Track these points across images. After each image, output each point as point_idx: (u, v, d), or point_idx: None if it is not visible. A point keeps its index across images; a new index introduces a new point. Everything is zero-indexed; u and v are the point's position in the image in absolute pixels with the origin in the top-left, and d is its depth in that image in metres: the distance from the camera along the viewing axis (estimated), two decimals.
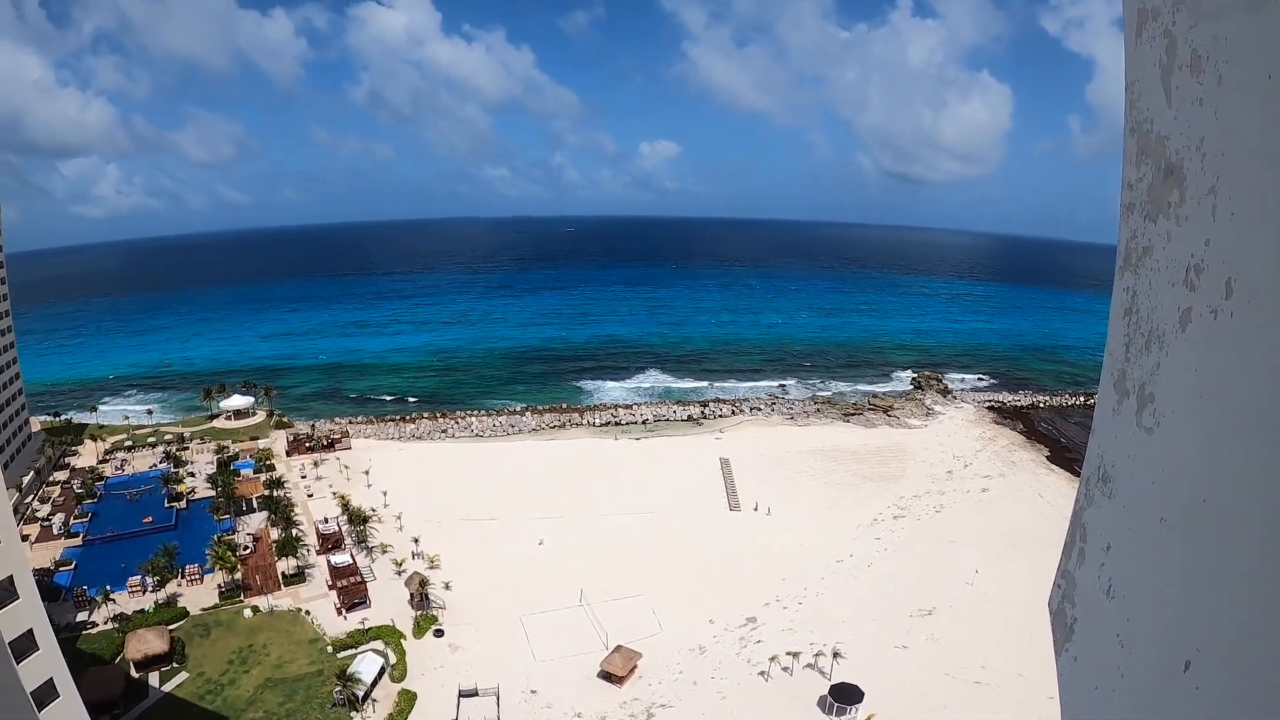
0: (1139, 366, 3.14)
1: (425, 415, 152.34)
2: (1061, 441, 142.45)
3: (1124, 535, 3.30)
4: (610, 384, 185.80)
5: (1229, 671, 2.39)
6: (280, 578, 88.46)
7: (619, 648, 75.29)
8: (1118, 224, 3.35)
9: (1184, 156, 2.69)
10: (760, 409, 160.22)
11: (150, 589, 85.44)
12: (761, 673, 74.58)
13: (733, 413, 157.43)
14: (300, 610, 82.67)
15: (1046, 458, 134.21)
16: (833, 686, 71.22)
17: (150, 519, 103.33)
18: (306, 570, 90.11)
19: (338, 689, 68.25)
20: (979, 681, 73.97)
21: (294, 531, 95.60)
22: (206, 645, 76.38)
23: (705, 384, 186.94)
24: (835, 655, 74.89)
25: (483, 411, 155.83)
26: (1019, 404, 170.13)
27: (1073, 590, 3.84)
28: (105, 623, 79.48)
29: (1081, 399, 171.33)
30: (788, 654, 75.76)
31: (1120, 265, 3.31)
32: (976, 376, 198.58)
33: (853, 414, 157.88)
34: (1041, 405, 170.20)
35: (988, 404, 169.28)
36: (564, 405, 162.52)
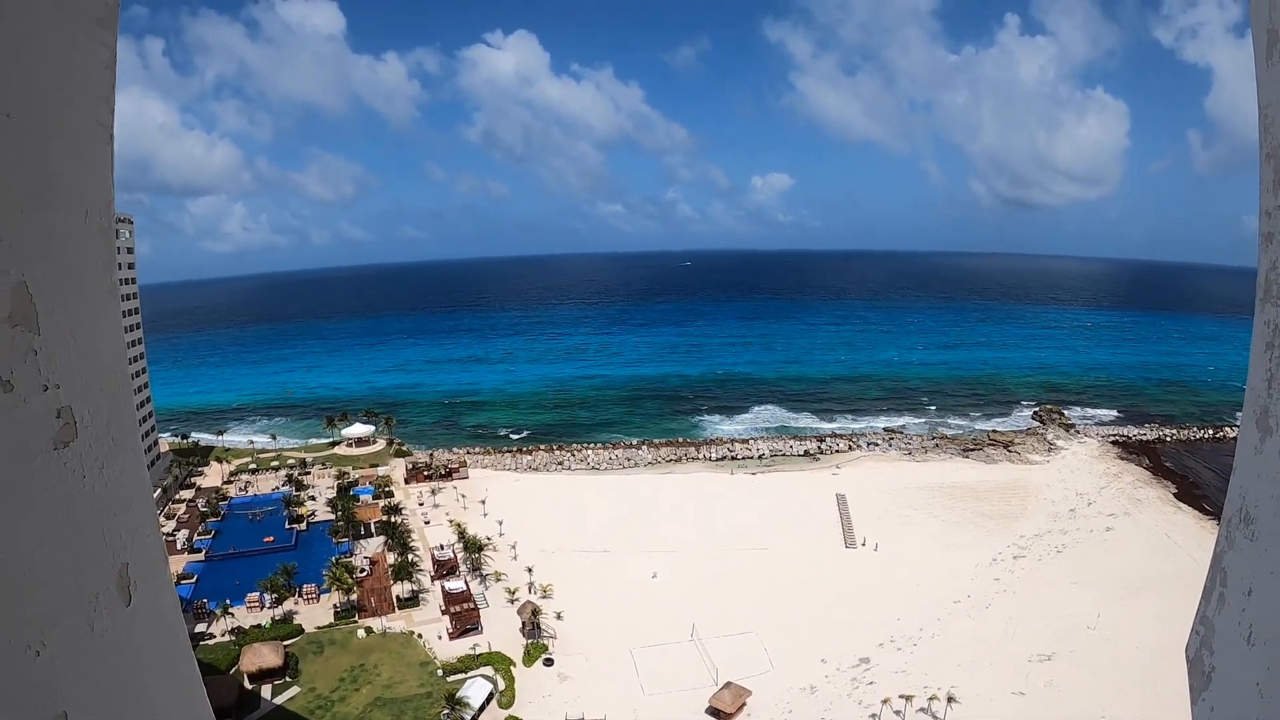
0: None
1: (542, 447, 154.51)
2: (1189, 478, 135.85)
3: (1267, 579, 3.18)
4: (726, 418, 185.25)
5: None
6: (394, 601, 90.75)
7: (728, 684, 74.95)
8: (1256, 252, 3.25)
9: None
10: (878, 444, 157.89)
11: (268, 605, 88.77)
12: (873, 715, 73.12)
13: (849, 448, 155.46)
14: (413, 633, 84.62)
15: (1174, 495, 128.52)
16: None
17: (271, 539, 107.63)
18: (420, 595, 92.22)
19: (445, 711, 69.62)
20: None
21: (410, 556, 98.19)
22: (319, 662, 78.92)
23: (821, 419, 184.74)
24: (950, 699, 73.15)
25: (598, 445, 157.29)
26: (1144, 438, 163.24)
27: (1211, 637, 3.68)
28: (223, 635, 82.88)
29: (1210, 432, 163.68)
30: (900, 696, 74.15)
31: (1261, 297, 3.20)
32: (1099, 409, 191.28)
33: (972, 449, 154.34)
34: (1168, 439, 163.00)
35: (1112, 438, 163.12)
36: (680, 439, 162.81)
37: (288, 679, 75.98)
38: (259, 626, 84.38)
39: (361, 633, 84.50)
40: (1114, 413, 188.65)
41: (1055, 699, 75.43)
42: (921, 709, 73.58)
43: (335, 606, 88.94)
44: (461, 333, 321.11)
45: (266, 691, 74.04)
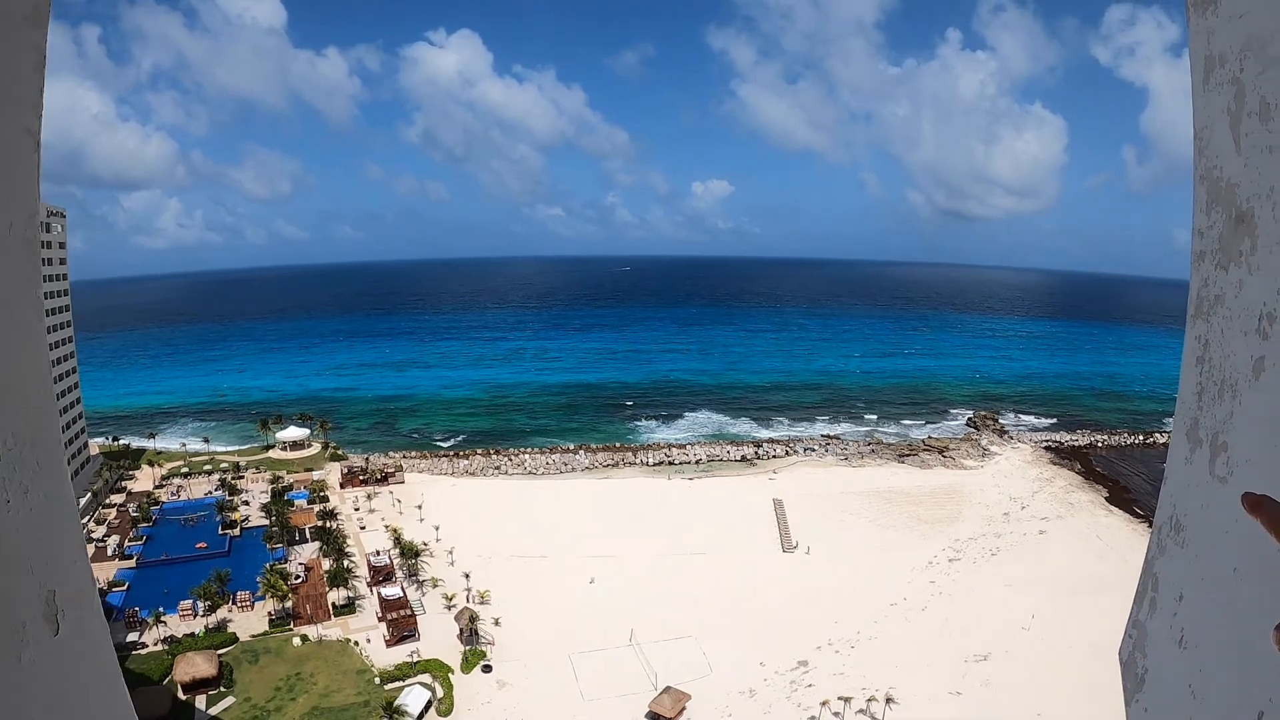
0: (1211, 415, 3.11)
1: (479, 451, 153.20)
2: (1120, 483, 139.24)
3: (1197, 585, 3.28)
4: (663, 424, 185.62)
5: None
6: (330, 608, 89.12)
7: (668, 689, 74.73)
8: (1182, 265, 3.35)
9: (1254, 204, 2.67)
10: (814, 450, 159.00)
11: (201, 613, 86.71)
12: (812, 717, 73.62)
13: (786, 453, 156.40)
14: (349, 640, 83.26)
15: (1105, 498, 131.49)
16: None
17: (204, 544, 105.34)
18: (357, 601, 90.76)
19: None
20: None
21: (345, 563, 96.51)
22: (254, 671, 77.19)
23: (758, 423, 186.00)
24: (888, 700, 73.73)
25: (536, 449, 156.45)
26: (1077, 444, 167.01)
27: (1144, 640, 3.81)
28: (155, 644, 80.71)
29: (1141, 438, 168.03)
30: (839, 698, 74.64)
31: (1192, 313, 3.29)
32: (1033, 416, 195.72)
33: (908, 455, 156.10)
34: (1100, 445, 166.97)
35: (1045, 444, 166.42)
36: (617, 444, 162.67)
37: (222, 689, 74.15)
38: (192, 635, 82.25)
39: (297, 641, 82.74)
40: (1047, 419, 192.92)
41: (991, 698, 76.52)
42: (860, 710, 74.09)
43: (270, 614, 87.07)
44: (398, 335, 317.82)
45: (200, 702, 72.21)
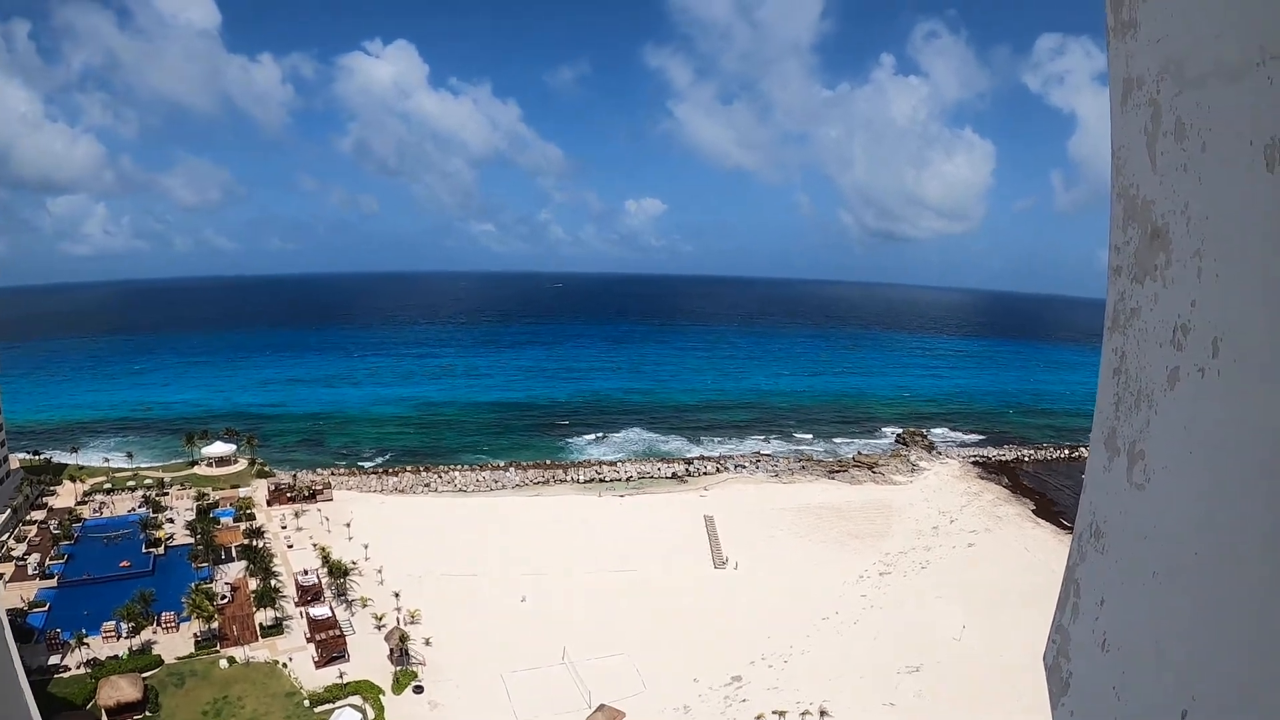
0: (1129, 425, 3.18)
1: (408, 469, 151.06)
2: (1047, 495, 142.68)
3: (1117, 590, 3.36)
4: (594, 440, 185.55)
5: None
6: (258, 628, 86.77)
7: (602, 707, 74.12)
8: (1105, 284, 3.43)
9: (1169, 221, 2.76)
10: (745, 466, 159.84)
11: (125, 635, 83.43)
12: None
13: (717, 470, 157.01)
14: (277, 662, 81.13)
15: (1032, 511, 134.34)
16: None
17: (128, 563, 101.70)
18: (285, 622, 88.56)
19: None
20: None
21: (273, 582, 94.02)
22: (180, 695, 74.75)
23: (689, 441, 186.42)
24: (822, 713, 74.20)
25: (466, 466, 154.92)
26: (1004, 458, 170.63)
27: (1068, 645, 3.88)
28: (78, 667, 77.68)
29: (1066, 452, 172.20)
30: (774, 713, 74.86)
31: (1109, 326, 3.38)
32: (961, 432, 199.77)
33: (838, 471, 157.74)
34: (1026, 460, 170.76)
35: (973, 459, 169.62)
36: (548, 461, 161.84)
37: (147, 714, 71.70)
38: (116, 658, 79.34)
39: (224, 663, 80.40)
40: (975, 435, 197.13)
41: (924, 709, 77.44)
42: None
43: (196, 635, 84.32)
44: (327, 350, 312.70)
45: None
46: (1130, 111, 3.03)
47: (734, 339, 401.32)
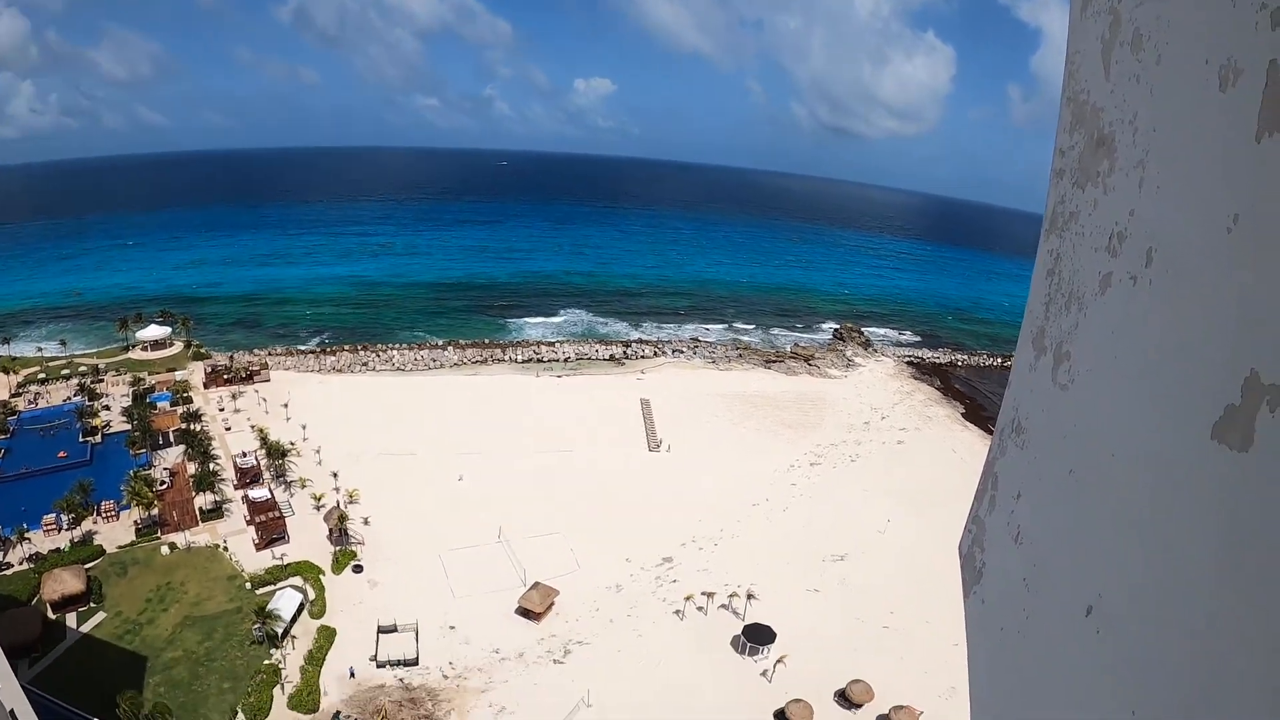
0: (1057, 325, 3.26)
1: (346, 348, 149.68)
2: (977, 400, 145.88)
3: (1034, 484, 3.44)
4: (533, 320, 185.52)
5: (1127, 616, 2.55)
6: (198, 513, 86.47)
7: (537, 585, 75.96)
8: (1047, 188, 3.47)
9: (1116, 129, 2.80)
10: (683, 352, 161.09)
11: (65, 527, 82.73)
12: (677, 611, 76.14)
13: (655, 354, 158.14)
14: (218, 546, 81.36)
15: (961, 414, 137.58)
16: (746, 627, 72.91)
17: (65, 454, 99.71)
18: (224, 505, 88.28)
19: (256, 626, 67.72)
20: (887, 626, 76.45)
21: (211, 466, 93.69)
22: (124, 584, 74.83)
23: (628, 324, 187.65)
24: (749, 596, 76.62)
25: (404, 345, 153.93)
26: (938, 361, 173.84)
27: (983, 535, 4.00)
28: (20, 563, 76.91)
29: (1000, 360, 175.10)
30: (703, 594, 77.38)
31: (1046, 228, 3.45)
32: (898, 332, 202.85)
33: (774, 361, 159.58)
34: (960, 364, 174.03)
35: (907, 359, 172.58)
36: (486, 341, 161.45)
37: (92, 604, 71.63)
38: (58, 551, 78.63)
39: (165, 549, 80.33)
40: (911, 336, 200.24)
41: (847, 596, 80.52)
42: (723, 605, 76.94)
43: (136, 523, 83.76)
44: (264, 227, 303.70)
45: (72, 620, 69.68)
46: (1090, 19, 3.08)
47: (678, 225, 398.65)
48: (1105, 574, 2.71)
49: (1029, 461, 3.52)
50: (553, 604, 74.87)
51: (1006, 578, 3.63)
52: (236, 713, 60.90)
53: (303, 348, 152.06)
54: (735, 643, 72.27)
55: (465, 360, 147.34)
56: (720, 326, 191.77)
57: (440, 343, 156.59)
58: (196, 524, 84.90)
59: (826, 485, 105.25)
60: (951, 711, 63.75)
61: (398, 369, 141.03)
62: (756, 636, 71.72)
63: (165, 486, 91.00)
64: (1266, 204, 1.90)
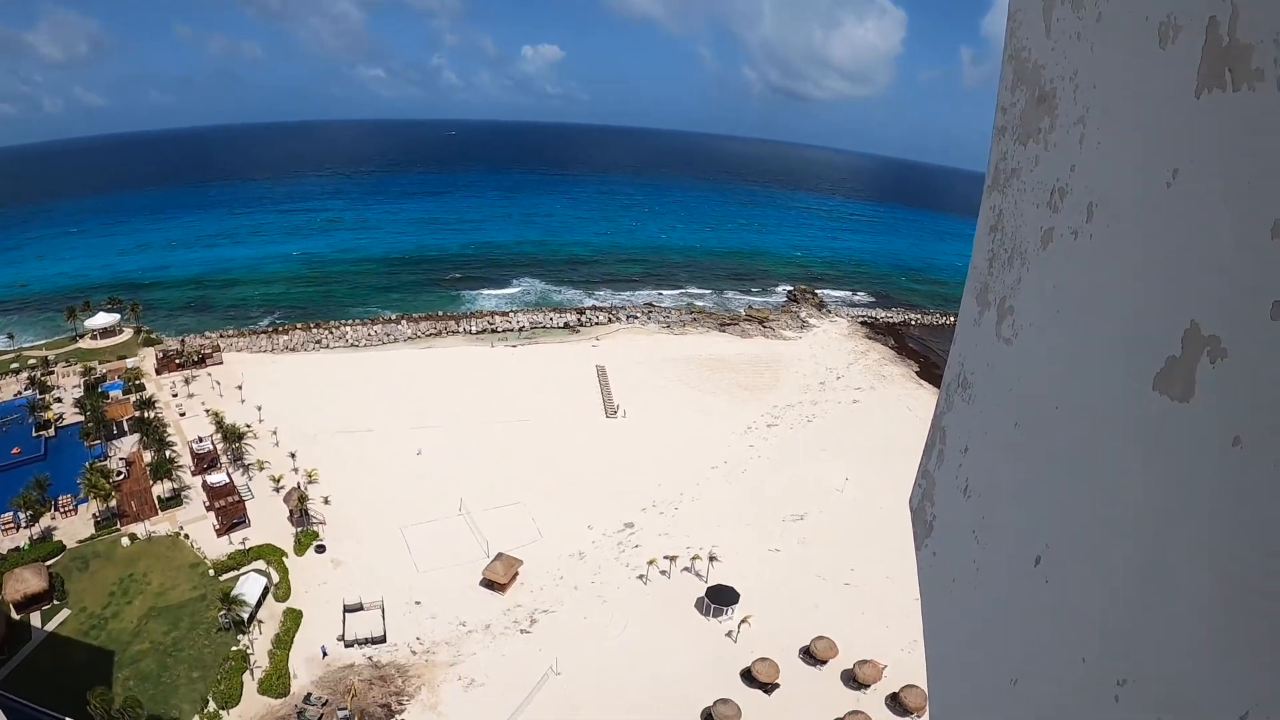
0: (1001, 281, 3.30)
1: (298, 326, 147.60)
2: (930, 358, 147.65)
3: (981, 438, 3.50)
4: (487, 291, 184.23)
5: (1074, 565, 2.60)
6: (156, 502, 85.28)
7: (500, 555, 76.22)
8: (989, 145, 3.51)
9: (1057, 86, 2.79)
10: (637, 317, 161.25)
11: (24, 525, 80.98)
12: (640, 576, 76.86)
13: (609, 320, 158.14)
14: (179, 534, 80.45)
15: (916, 372, 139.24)
16: (709, 589, 73.79)
17: (18, 450, 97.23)
18: (183, 492, 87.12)
19: (222, 613, 67.31)
20: (848, 583, 77.70)
21: (168, 453, 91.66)
22: (86, 579, 73.65)
23: (582, 292, 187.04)
24: (711, 559, 77.47)
25: (357, 320, 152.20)
26: (891, 320, 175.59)
27: (932, 489, 4.05)
28: None
29: (951, 319, 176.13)
30: (665, 558, 78.20)
31: (989, 185, 3.45)
32: (852, 293, 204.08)
33: (729, 324, 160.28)
34: (913, 323, 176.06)
35: (861, 319, 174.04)
36: (440, 313, 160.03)
37: (55, 602, 70.41)
38: (18, 549, 77.03)
39: (126, 540, 79.12)
40: (865, 296, 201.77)
41: (808, 555, 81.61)
42: (685, 568, 77.74)
43: (95, 516, 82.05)
44: (210, 207, 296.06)
45: (36, 619, 68.44)
46: None
47: (629, 190, 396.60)
48: (1052, 524, 2.75)
49: (975, 416, 3.58)
50: (517, 574, 75.24)
51: (956, 530, 3.69)
52: (207, 701, 60.61)
53: (254, 328, 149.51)
54: (699, 604, 73.13)
55: (419, 334, 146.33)
56: (674, 291, 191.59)
57: (393, 317, 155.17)
58: (156, 513, 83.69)
59: (784, 446, 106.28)
60: (915, 663, 65.11)
61: (351, 345, 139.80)
62: (720, 598, 72.61)
63: (122, 477, 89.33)
64: (1205, 159, 1.93)
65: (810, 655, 68.05)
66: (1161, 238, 2.15)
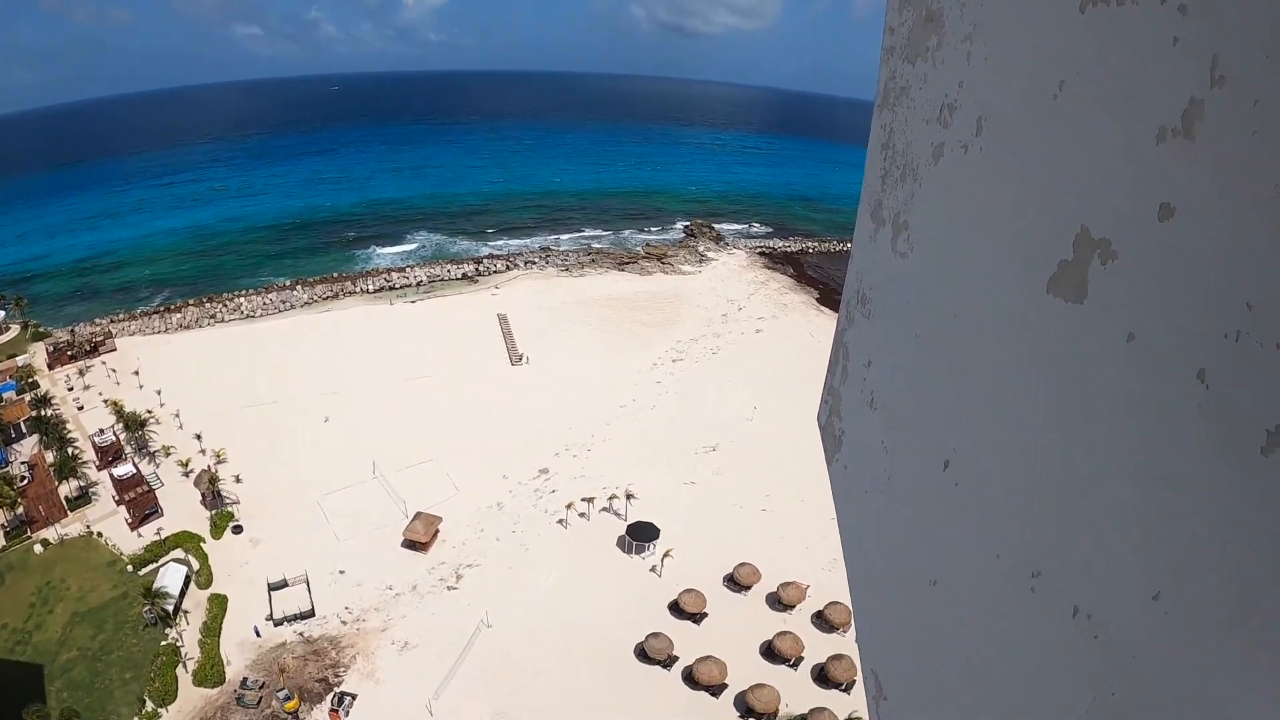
0: (894, 197, 3.41)
1: (190, 302, 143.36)
2: (830, 285, 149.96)
3: (882, 351, 3.59)
4: (381, 249, 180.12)
5: (980, 467, 2.75)
6: (64, 503, 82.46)
7: (419, 515, 76.41)
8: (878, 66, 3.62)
9: (944, 4, 2.86)
10: (535, 262, 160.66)
11: None
12: (560, 521, 77.97)
13: (507, 268, 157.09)
14: (92, 533, 78.24)
15: (816, 299, 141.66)
16: (629, 526, 75.26)
17: None
18: (90, 490, 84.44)
19: (146, 608, 66.24)
20: (765, 510, 79.95)
21: (70, 450, 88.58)
22: (3, 593, 71.14)
23: (478, 242, 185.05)
24: (628, 497, 78.86)
25: (251, 291, 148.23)
26: (789, 250, 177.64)
27: (839, 405, 4.12)
28: None
29: (848, 245, 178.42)
30: (583, 500, 79.49)
31: (879, 104, 3.54)
32: (749, 225, 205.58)
33: (627, 263, 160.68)
34: (811, 250, 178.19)
35: (760, 250, 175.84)
36: (335, 275, 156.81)
37: None
38: None
39: (38, 547, 76.57)
40: (762, 227, 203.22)
41: (723, 485, 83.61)
42: (604, 508, 79.06)
43: (3, 525, 79.10)
44: (86, 187, 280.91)
45: None
46: None
47: (520, 135, 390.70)
48: (957, 429, 2.94)
49: (877, 330, 3.65)
50: (437, 532, 75.56)
51: (865, 442, 3.76)
52: (144, 701, 59.82)
53: (145, 309, 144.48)
54: (621, 543, 74.51)
55: (316, 297, 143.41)
56: (571, 235, 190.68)
57: (288, 283, 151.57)
58: (65, 515, 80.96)
59: (691, 380, 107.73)
60: (834, 581, 67.59)
61: (247, 316, 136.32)
62: (640, 534, 74.06)
63: (26, 482, 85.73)
64: (1091, 71, 1.98)
65: (734, 582, 69.98)
66: (1049, 148, 2.19)
